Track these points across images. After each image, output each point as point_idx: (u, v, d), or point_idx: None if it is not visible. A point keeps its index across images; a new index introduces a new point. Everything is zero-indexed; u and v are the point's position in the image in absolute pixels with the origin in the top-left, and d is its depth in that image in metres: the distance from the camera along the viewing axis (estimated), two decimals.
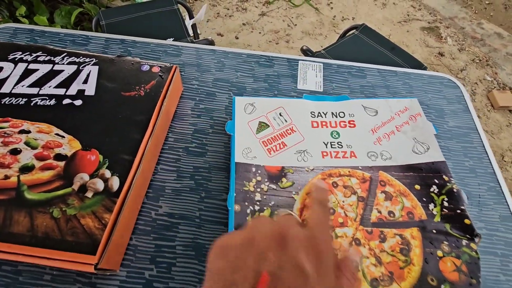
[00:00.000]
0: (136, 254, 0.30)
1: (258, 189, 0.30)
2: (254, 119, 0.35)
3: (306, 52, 0.94)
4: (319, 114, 0.36)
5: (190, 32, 0.98)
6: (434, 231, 0.28)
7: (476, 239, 0.27)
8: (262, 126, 0.35)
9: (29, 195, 0.27)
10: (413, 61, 0.88)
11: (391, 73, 0.47)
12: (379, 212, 0.29)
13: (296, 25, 1.74)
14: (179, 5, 1.00)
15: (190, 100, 0.41)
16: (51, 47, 0.38)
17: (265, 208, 0.29)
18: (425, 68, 0.80)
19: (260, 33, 1.68)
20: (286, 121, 0.35)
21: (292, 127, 0.35)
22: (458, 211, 0.29)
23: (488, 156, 0.39)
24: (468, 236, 0.28)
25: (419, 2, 1.95)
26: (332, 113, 0.36)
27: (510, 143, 1.41)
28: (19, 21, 1.28)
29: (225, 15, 1.75)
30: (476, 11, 1.94)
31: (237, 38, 1.65)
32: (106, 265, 0.25)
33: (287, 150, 0.33)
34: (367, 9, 1.89)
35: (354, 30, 1.01)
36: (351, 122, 0.36)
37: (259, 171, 0.31)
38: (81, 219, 0.26)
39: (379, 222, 0.29)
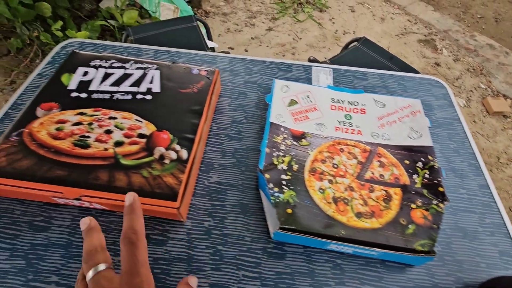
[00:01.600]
0: (196, 210, 0.39)
1: (283, 143, 0.41)
2: (287, 96, 0.46)
3: (313, 62, 1.05)
4: (338, 101, 0.46)
5: (209, 45, 1.09)
6: (413, 192, 0.37)
7: (445, 202, 0.36)
8: (292, 102, 0.45)
9: (124, 161, 0.36)
10: (409, 69, 0.98)
11: (388, 76, 0.57)
12: (372, 173, 0.39)
13: (301, 38, 1.87)
14: (198, 22, 1.12)
15: (227, 98, 0.52)
16: (121, 56, 0.48)
17: (286, 155, 0.39)
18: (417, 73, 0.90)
19: (267, 46, 1.81)
20: (311, 101, 0.46)
21: (315, 106, 0.45)
22: (435, 181, 0.38)
23: (468, 140, 0.49)
24: (439, 199, 0.37)
25: (414, 17, 2.09)
26: (348, 101, 0.46)
27: (505, 145, 1.49)
28: (53, 35, 1.42)
29: (235, 30, 1.89)
30: (469, 25, 2.06)
31: (246, 51, 1.77)
32: (182, 210, 0.35)
33: (309, 121, 0.43)
34: (367, 24, 2.02)
35: (356, 42, 1.12)
36: (362, 110, 0.46)
37: (286, 131, 0.42)
38: (163, 177, 0.35)
39: (370, 179, 0.38)
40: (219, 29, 1.88)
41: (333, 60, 1.04)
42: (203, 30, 1.14)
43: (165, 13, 1.71)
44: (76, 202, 0.35)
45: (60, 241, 0.36)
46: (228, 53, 1.07)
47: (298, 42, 1.86)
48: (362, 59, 1.04)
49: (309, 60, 1.07)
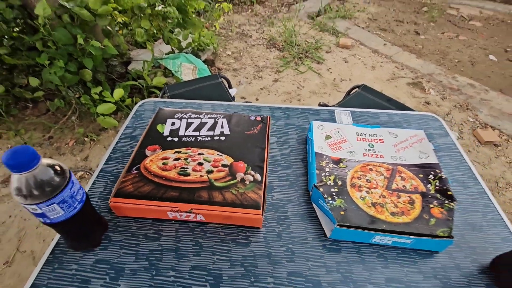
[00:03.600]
0: (267, 221, 0.51)
1: (327, 166, 0.54)
2: (323, 133, 0.61)
3: (323, 106, 1.23)
4: (361, 134, 0.61)
5: (231, 93, 1.29)
6: (430, 196, 0.50)
7: (455, 202, 0.49)
8: (327, 137, 0.60)
9: (217, 184, 0.50)
10: (406, 108, 1.17)
11: (394, 115, 0.73)
12: (397, 185, 0.52)
13: (304, 87, 2.12)
14: (222, 79, 1.34)
15: (274, 137, 0.67)
16: (194, 110, 0.65)
17: (331, 175, 0.53)
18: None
19: (275, 94, 2.04)
20: (341, 136, 0.61)
21: (345, 139, 0.60)
22: (444, 188, 0.51)
23: (465, 159, 0.63)
24: (449, 200, 0.50)
25: (401, 64, 2.38)
26: (369, 134, 0.61)
27: (501, 171, 1.63)
28: (93, 99, 1.63)
29: (245, 83, 2.14)
30: (449, 68, 2.35)
31: (257, 99, 2.00)
32: (262, 217, 0.47)
33: (342, 150, 0.58)
34: (360, 72, 2.30)
35: (357, 88, 1.33)
36: (381, 140, 0.60)
37: (327, 158, 0.56)
38: (247, 194, 0.48)
39: (396, 189, 0.51)
40: (231, 82, 2.13)
41: (340, 104, 1.23)
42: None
43: (186, 72, 1.96)
44: (185, 215, 0.48)
45: (170, 247, 0.47)
46: (249, 102, 1.27)
47: (302, 90, 2.10)
48: (364, 102, 1.23)
49: (320, 105, 1.25)
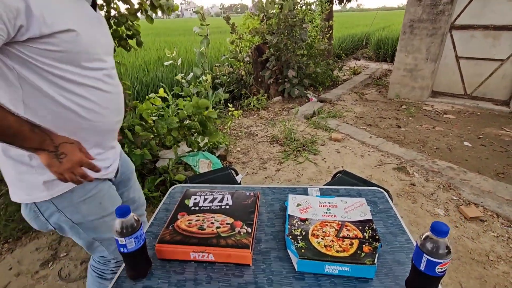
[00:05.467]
0: (255, 260, 0.76)
1: (296, 224, 0.81)
2: (295, 202, 0.90)
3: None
4: (322, 202, 0.90)
5: (238, 179, 1.62)
6: (364, 240, 0.75)
7: (380, 243, 0.74)
8: (298, 204, 0.89)
9: (223, 234, 0.77)
10: (377, 186, 1.44)
11: (351, 189, 1.03)
12: (343, 234, 0.78)
13: (302, 175, 2.46)
14: (231, 170, 1.70)
15: (263, 206, 0.96)
16: (208, 189, 0.97)
17: (299, 228, 0.79)
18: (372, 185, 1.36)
19: (278, 182, 2.37)
20: (308, 203, 0.89)
21: (310, 205, 0.88)
22: (374, 234, 0.77)
23: (398, 218, 0.89)
24: (376, 241, 0.74)
25: (386, 152, 2.76)
26: (328, 202, 0.90)
27: (490, 245, 1.74)
28: None
29: (252, 173, 2.51)
30: (429, 154, 2.69)
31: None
32: (251, 255, 0.73)
33: (308, 213, 0.85)
34: (351, 160, 2.66)
35: (339, 173, 1.65)
36: (336, 206, 0.89)
37: (297, 218, 0.83)
38: (242, 240, 0.75)
39: (342, 236, 0.77)
40: (238, 171, 2.50)
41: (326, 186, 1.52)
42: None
43: (202, 165, 2.38)
44: (201, 255, 0.74)
45: (191, 277, 0.72)
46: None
47: (301, 177, 2.43)
48: (345, 184, 1.53)
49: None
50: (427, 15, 3.88)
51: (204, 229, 0.79)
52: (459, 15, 3.89)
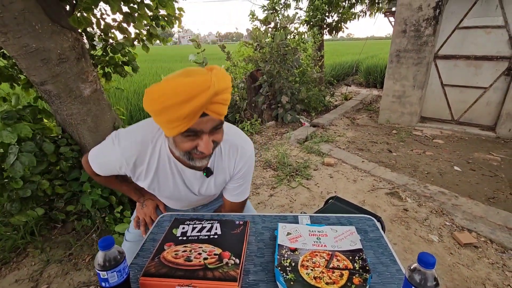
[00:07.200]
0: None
1: (286, 253, 0.79)
2: (285, 231, 0.88)
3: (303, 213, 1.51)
4: (312, 231, 0.89)
5: None
6: (354, 271, 0.74)
7: (371, 274, 0.73)
8: (288, 233, 0.87)
9: (210, 266, 0.75)
10: (369, 213, 1.44)
11: (341, 217, 1.02)
12: (333, 265, 0.76)
13: (295, 200, 2.44)
14: None
15: (253, 236, 0.94)
16: (196, 219, 0.95)
17: (288, 259, 0.77)
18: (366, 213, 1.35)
19: (271, 208, 2.34)
20: (298, 232, 0.88)
21: (300, 234, 0.87)
22: (365, 264, 0.76)
23: (389, 246, 0.88)
24: (366, 272, 0.73)
25: (378, 177, 2.77)
26: (318, 231, 0.89)
27: (486, 273, 1.71)
28: (115, 218, 1.94)
29: None
30: (420, 179, 2.71)
31: None
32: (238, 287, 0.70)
33: (298, 243, 0.84)
34: (343, 185, 2.66)
35: (331, 199, 1.64)
36: (325, 235, 0.88)
37: (287, 248, 0.81)
38: (229, 272, 0.73)
39: (332, 267, 0.75)
40: None
41: (317, 212, 1.51)
42: None
43: None
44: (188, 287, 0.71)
45: None
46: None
47: (294, 203, 2.41)
48: (336, 210, 1.52)
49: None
50: (412, 45, 4.09)
51: (191, 261, 0.77)
52: (442, 46, 4.11)
